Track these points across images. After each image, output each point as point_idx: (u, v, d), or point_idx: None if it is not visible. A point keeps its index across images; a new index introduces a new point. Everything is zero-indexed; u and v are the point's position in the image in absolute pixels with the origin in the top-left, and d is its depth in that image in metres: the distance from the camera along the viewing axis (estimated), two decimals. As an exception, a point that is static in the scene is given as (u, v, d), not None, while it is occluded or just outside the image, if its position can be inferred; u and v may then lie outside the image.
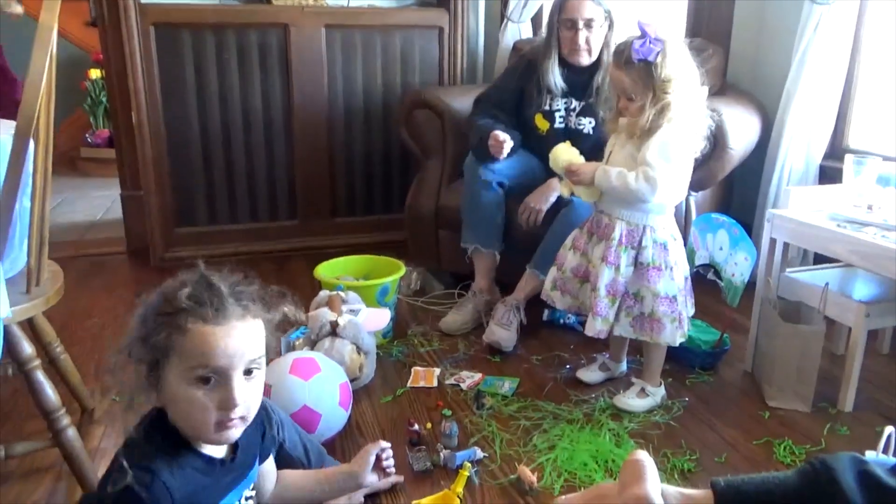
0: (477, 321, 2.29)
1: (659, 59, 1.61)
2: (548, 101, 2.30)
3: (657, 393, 1.84)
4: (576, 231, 1.86)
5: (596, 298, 1.73)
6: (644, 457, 0.59)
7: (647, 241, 1.71)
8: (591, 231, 1.80)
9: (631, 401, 1.81)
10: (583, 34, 2.15)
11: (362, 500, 1.43)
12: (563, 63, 2.25)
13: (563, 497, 0.61)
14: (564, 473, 1.54)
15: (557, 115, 2.30)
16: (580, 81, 2.26)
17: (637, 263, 1.72)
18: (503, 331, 2.13)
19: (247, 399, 0.96)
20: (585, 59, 2.20)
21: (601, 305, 1.73)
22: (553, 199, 2.22)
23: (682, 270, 1.77)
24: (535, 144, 2.31)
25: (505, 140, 2.16)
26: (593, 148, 1.99)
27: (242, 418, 0.97)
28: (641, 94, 1.64)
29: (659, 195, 1.66)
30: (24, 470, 1.57)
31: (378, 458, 1.41)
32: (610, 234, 1.73)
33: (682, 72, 1.63)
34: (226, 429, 0.95)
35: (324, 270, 2.27)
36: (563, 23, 2.17)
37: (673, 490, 0.59)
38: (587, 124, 2.27)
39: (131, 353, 0.97)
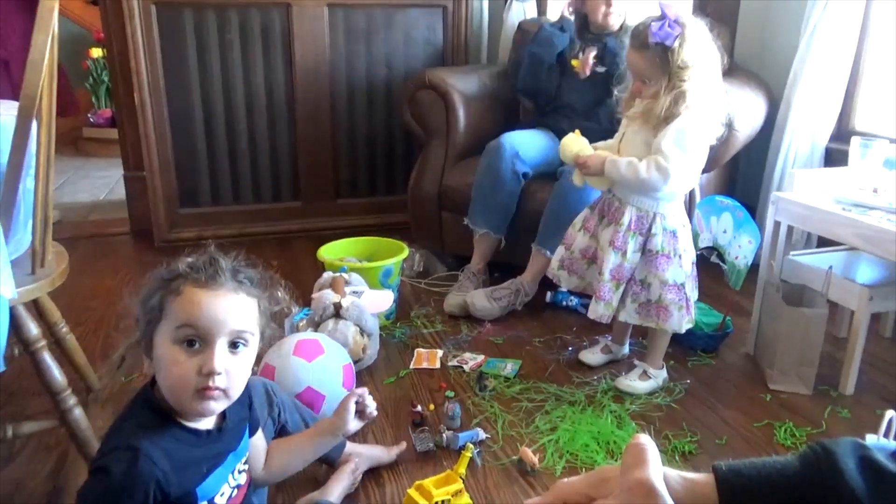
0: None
1: (677, 44, 1.57)
2: (579, 46, 2.37)
3: (659, 375, 1.85)
4: (586, 211, 1.84)
5: (600, 282, 1.73)
6: (646, 440, 0.59)
7: (657, 228, 1.70)
8: (601, 213, 1.79)
9: (633, 383, 1.82)
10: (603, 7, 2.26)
11: (360, 477, 1.45)
12: (587, 29, 2.38)
13: (566, 479, 0.62)
14: (566, 454, 1.56)
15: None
16: (596, 41, 2.34)
17: (645, 250, 1.71)
18: (484, 301, 2.19)
19: (230, 370, 0.96)
20: (610, 21, 2.29)
21: (605, 289, 1.73)
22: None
23: (690, 257, 1.76)
24: (571, 89, 2.41)
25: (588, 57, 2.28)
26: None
27: (224, 391, 0.96)
28: (657, 78, 1.61)
29: (671, 185, 1.65)
30: (30, 449, 1.59)
31: (359, 406, 1.35)
32: (619, 218, 1.71)
33: (701, 58, 1.59)
34: (205, 398, 0.95)
35: (327, 252, 2.27)
36: None
37: (674, 473, 0.60)
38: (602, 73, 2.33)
39: (137, 319, 1.01)
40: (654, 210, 1.70)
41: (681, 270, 1.71)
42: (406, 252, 2.28)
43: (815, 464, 0.57)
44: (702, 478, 0.60)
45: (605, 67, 2.31)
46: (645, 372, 1.84)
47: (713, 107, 1.66)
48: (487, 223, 2.32)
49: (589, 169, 1.74)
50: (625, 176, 1.66)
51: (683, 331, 1.76)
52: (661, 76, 1.60)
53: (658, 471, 0.57)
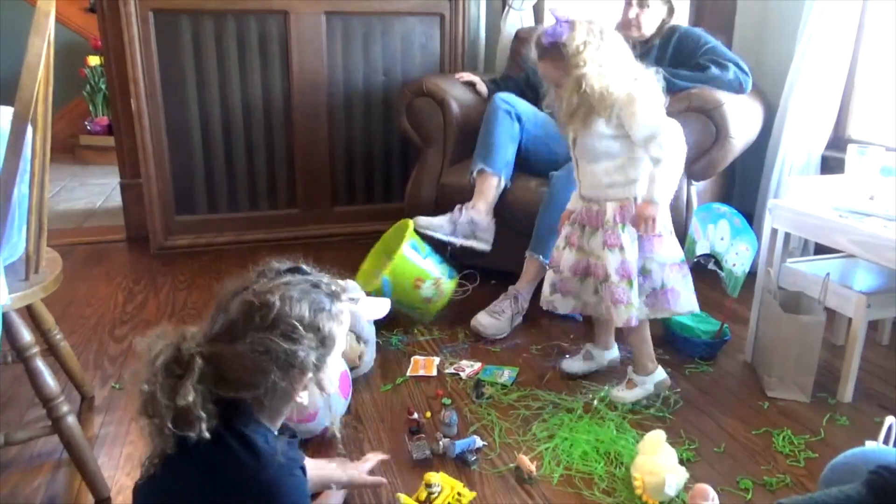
0: (451, 233, 2.29)
1: (566, 38, 1.58)
2: None
3: (648, 381, 1.78)
4: (566, 228, 1.78)
5: (612, 286, 1.66)
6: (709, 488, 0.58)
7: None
8: (581, 223, 1.73)
9: (620, 392, 1.79)
10: (633, 10, 2.36)
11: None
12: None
13: None
14: (563, 462, 1.55)
15: None
16: (631, 49, 2.38)
17: (639, 237, 1.66)
18: (489, 318, 2.15)
19: None
20: (635, 33, 2.38)
21: (619, 292, 1.65)
22: None
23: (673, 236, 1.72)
24: None
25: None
26: None
27: None
28: (564, 78, 1.62)
29: (680, 139, 1.60)
30: (24, 457, 1.58)
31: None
32: (602, 218, 1.67)
33: (594, 43, 1.58)
34: None
35: (364, 279, 2.24)
36: None
37: None
38: None
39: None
40: (632, 194, 1.65)
41: (676, 247, 1.68)
42: (410, 225, 2.23)
43: (886, 488, 0.56)
44: None
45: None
46: (630, 380, 1.80)
47: (634, 77, 1.62)
48: (484, 159, 2.34)
49: (654, 227, 1.63)
50: (668, 190, 1.60)
51: (698, 309, 1.71)
52: (566, 74, 1.61)
53: None
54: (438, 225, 2.27)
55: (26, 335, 1.34)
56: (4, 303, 1.19)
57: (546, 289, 1.82)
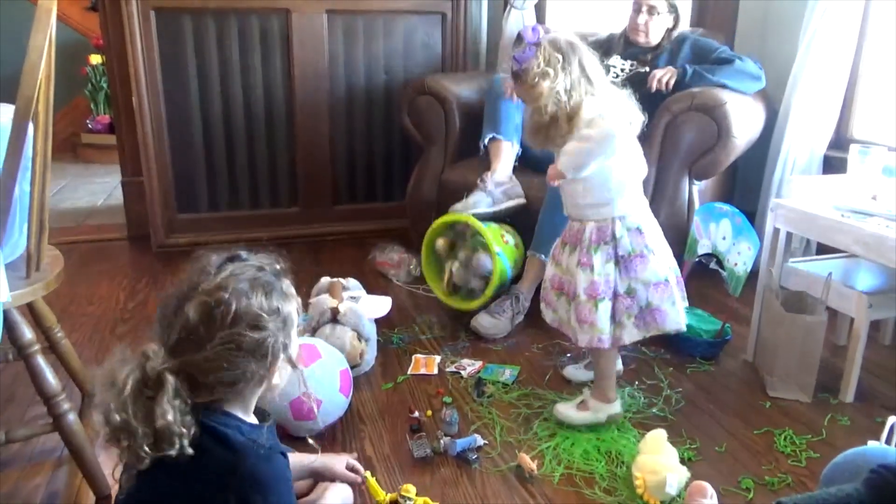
0: (491, 204, 2.27)
1: (525, 65, 1.55)
2: (602, 61, 2.38)
3: (603, 410, 1.67)
4: (557, 241, 1.72)
5: (578, 305, 1.60)
6: (707, 485, 0.58)
7: (620, 230, 1.58)
8: (564, 240, 1.68)
9: (568, 411, 1.69)
10: (643, 17, 2.44)
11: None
12: (629, 41, 2.54)
13: None
14: (564, 461, 1.54)
15: (612, 69, 2.48)
16: (641, 54, 2.50)
17: (618, 258, 1.59)
18: (489, 318, 2.15)
19: None
20: (642, 39, 2.47)
21: (584, 311, 1.60)
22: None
23: (665, 256, 1.64)
24: None
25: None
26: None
27: None
28: (528, 101, 1.60)
29: (605, 131, 1.51)
30: (25, 454, 1.58)
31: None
32: (581, 237, 1.61)
33: (553, 73, 1.52)
34: None
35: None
36: (633, 3, 2.49)
37: None
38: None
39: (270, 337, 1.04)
40: (612, 215, 1.59)
41: (660, 266, 1.61)
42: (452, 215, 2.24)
43: (885, 487, 0.56)
44: None
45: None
46: (584, 402, 1.69)
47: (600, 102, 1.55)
48: (494, 128, 2.40)
49: (552, 177, 1.61)
50: (573, 159, 1.54)
51: (684, 328, 1.64)
52: (528, 99, 1.60)
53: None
54: (475, 202, 2.25)
55: (27, 333, 1.34)
56: (5, 300, 1.19)
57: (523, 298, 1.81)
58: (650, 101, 2.24)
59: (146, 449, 0.90)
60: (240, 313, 0.95)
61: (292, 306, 1.03)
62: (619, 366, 1.88)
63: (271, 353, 0.98)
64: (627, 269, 1.59)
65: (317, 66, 3.00)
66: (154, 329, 0.99)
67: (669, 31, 2.48)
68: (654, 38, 2.47)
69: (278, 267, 1.05)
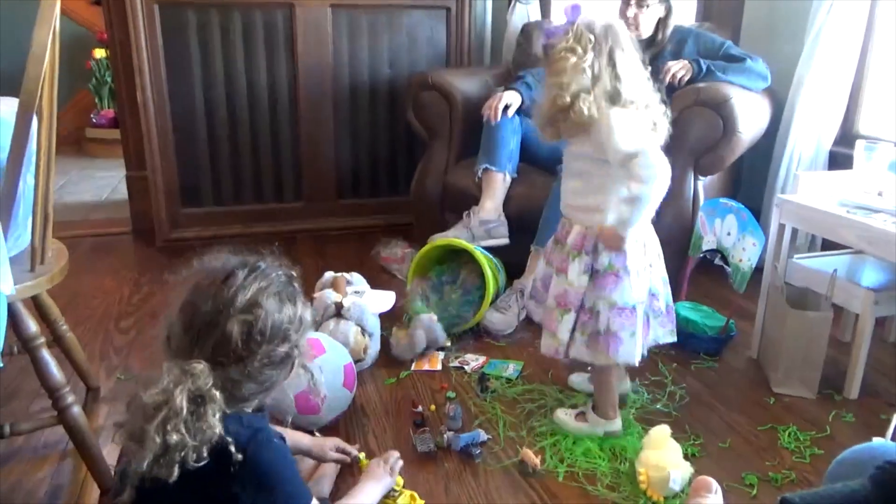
0: (469, 239, 2.28)
1: (554, 40, 1.45)
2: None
3: (601, 426, 1.61)
4: (550, 239, 1.65)
5: (546, 310, 1.55)
6: (712, 480, 0.58)
7: (602, 245, 1.49)
8: (556, 238, 1.60)
9: (566, 417, 1.66)
10: (632, 10, 2.33)
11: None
12: None
13: None
14: (567, 459, 1.54)
15: None
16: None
17: (593, 272, 1.50)
18: (497, 314, 2.15)
19: None
20: (632, 32, 2.32)
21: (549, 318, 1.54)
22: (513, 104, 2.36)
23: (644, 283, 1.52)
24: None
25: (499, 105, 2.33)
26: None
27: None
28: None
29: (657, 165, 1.40)
30: (29, 447, 1.59)
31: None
32: (566, 239, 1.54)
33: (580, 54, 1.41)
34: None
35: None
36: None
37: None
38: None
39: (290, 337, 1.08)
40: (596, 223, 1.49)
41: (630, 292, 1.48)
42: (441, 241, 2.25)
43: (892, 484, 0.55)
44: None
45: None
46: (583, 413, 1.65)
47: (630, 99, 1.45)
48: (487, 158, 2.37)
49: (612, 245, 1.48)
50: (636, 218, 1.43)
51: (636, 363, 1.52)
52: (548, 79, 1.49)
53: (718, 503, 0.56)
54: (454, 236, 2.28)
55: (32, 326, 1.35)
56: (9, 293, 1.19)
57: (527, 293, 1.76)
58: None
59: (191, 463, 0.91)
60: (274, 329, 0.99)
61: (309, 311, 1.08)
62: (626, 387, 1.79)
63: (293, 362, 1.05)
64: (597, 285, 1.49)
65: (321, 61, 2.99)
66: (172, 332, 1.00)
67: (662, 21, 2.38)
68: (646, 31, 2.37)
69: (293, 273, 1.08)
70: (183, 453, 0.91)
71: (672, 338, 1.61)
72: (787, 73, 2.46)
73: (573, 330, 1.52)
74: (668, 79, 2.28)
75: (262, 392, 1.04)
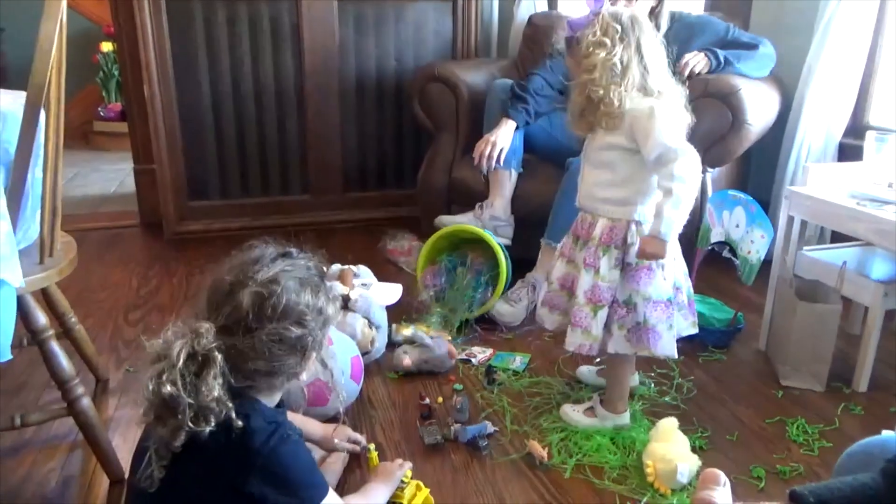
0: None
1: (580, 34, 1.44)
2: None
3: (610, 419, 1.61)
4: (565, 237, 1.62)
5: (575, 307, 1.51)
6: (719, 472, 0.58)
7: (633, 237, 1.47)
8: (576, 234, 1.57)
9: (574, 413, 1.65)
10: (622, 2, 2.19)
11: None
12: None
13: None
14: (576, 454, 1.54)
15: None
16: None
17: (624, 265, 1.49)
18: (506, 306, 2.15)
19: None
20: None
21: (580, 315, 1.50)
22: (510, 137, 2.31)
23: (674, 274, 1.51)
24: None
25: (494, 153, 2.27)
26: None
27: None
28: (576, 76, 1.48)
29: (697, 167, 1.40)
30: (40, 438, 1.60)
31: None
32: (591, 233, 1.51)
33: (609, 46, 1.41)
34: None
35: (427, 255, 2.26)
36: None
37: None
38: None
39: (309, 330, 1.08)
40: (629, 217, 1.47)
41: (664, 284, 1.48)
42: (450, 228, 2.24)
43: None
44: None
45: None
46: (592, 409, 1.64)
47: (658, 90, 1.45)
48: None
49: (655, 255, 1.44)
50: (676, 225, 1.39)
51: (676, 356, 1.51)
52: (577, 74, 1.47)
53: (726, 495, 0.57)
54: (465, 221, 2.28)
55: (41, 318, 1.35)
56: (19, 286, 1.20)
57: (539, 300, 1.70)
58: None
59: (189, 423, 0.92)
60: (288, 308, 0.99)
61: (334, 308, 1.08)
62: (636, 380, 1.78)
63: (309, 351, 1.03)
64: (630, 279, 1.48)
65: (327, 53, 2.99)
66: (199, 306, 1.02)
67: (654, 11, 2.28)
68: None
69: (324, 269, 1.10)
70: (181, 414, 0.91)
71: (694, 329, 1.59)
72: (797, 62, 2.44)
73: (607, 324, 1.51)
74: (686, 72, 2.22)
75: (270, 374, 1.02)
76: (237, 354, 0.98)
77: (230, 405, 0.95)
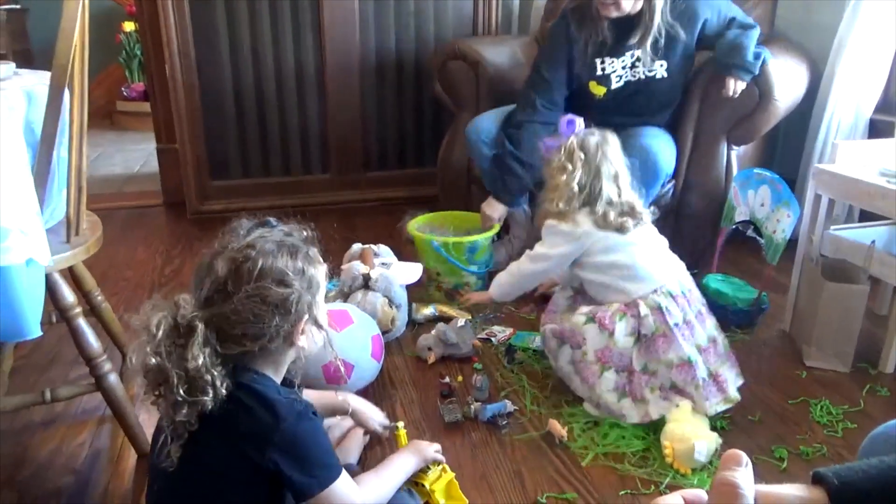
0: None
1: (549, 156, 1.67)
2: (599, 66, 2.14)
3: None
4: (566, 298, 1.76)
5: (583, 363, 1.58)
6: (741, 453, 0.58)
7: (644, 309, 1.54)
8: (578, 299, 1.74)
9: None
10: None
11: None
12: (618, 35, 2.11)
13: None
14: (601, 443, 1.54)
15: (613, 75, 2.14)
16: (633, 43, 2.09)
17: (640, 336, 1.55)
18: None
19: None
20: (612, 13, 2.03)
21: (589, 371, 1.57)
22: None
23: (691, 335, 1.55)
24: (593, 108, 2.17)
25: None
26: (670, 89, 2.16)
27: None
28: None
29: (546, 254, 1.67)
30: (70, 413, 1.64)
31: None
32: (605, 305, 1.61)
33: (565, 173, 1.60)
34: None
35: (417, 225, 2.27)
36: None
37: (790, 492, 0.58)
38: (659, 68, 2.11)
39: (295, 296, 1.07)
40: (631, 298, 1.56)
41: (684, 344, 1.52)
42: (496, 228, 2.22)
43: None
44: (813, 495, 0.58)
45: (662, 61, 2.11)
46: None
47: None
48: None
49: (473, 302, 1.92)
50: (509, 285, 1.80)
51: (713, 412, 1.52)
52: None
53: (748, 476, 0.56)
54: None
55: (69, 296, 1.38)
56: (47, 264, 1.22)
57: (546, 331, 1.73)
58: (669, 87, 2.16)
59: (182, 393, 0.93)
60: (265, 269, 0.99)
61: (317, 270, 1.07)
62: None
63: (296, 310, 1.01)
64: (649, 349, 1.54)
65: (347, 32, 2.97)
66: (189, 287, 1.04)
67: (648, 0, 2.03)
68: (628, 6, 2.00)
69: (305, 234, 1.09)
70: (174, 386, 0.92)
71: (739, 380, 1.61)
72: (827, 36, 2.37)
73: (633, 393, 1.54)
74: (731, 95, 2.08)
75: (259, 337, 0.99)
76: (222, 320, 0.98)
77: (222, 377, 0.95)
